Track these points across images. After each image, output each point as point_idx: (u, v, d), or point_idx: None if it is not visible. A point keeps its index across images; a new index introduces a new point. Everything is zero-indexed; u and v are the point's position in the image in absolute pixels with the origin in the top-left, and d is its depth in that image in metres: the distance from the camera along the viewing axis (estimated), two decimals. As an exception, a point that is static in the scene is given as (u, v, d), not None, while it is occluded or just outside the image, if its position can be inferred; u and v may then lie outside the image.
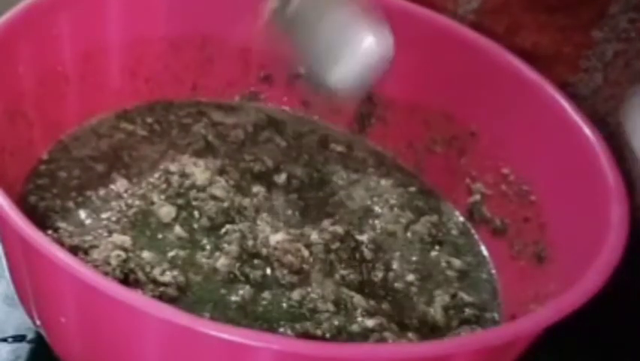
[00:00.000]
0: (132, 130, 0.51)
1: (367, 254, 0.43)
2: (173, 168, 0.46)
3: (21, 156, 0.45)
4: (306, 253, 0.42)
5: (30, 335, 0.41)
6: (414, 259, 0.44)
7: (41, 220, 0.42)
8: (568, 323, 0.31)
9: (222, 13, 0.51)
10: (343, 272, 0.42)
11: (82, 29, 0.48)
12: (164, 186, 0.45)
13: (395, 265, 0.43)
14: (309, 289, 0.40)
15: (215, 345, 0.30)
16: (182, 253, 0.42)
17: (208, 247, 0.42)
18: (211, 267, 0.41)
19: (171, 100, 0.53)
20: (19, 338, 0.41)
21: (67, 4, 0.47)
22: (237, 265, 0.41)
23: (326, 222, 0.44)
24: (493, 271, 0.44)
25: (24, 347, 0.40)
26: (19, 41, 0.44)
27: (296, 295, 0.40)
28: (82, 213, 0.43)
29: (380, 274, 0.42)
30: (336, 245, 0.42)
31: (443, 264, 0.44)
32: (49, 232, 0.41)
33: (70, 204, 0.44)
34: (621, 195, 0.38)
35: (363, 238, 0.44)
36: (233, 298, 0.40)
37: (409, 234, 0.46)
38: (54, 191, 0.45)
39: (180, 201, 0.44)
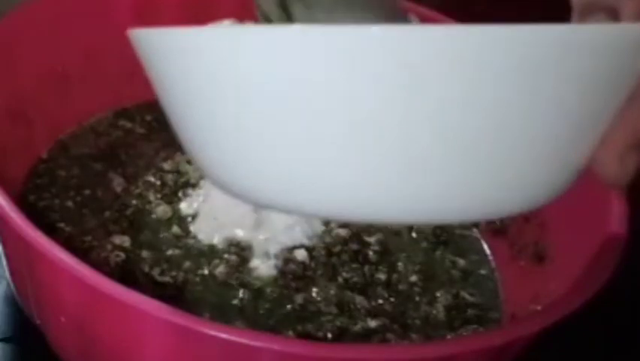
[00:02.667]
0: (130, 128, 0.51)
1: (372, 256, 0.43)
2: (167, 166, 0.46)
3: (21, 156, 0.45)
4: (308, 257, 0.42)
5: (29, 335, 0.41)
6: (419, 259, 0.44)
7: (40, 220, 0.41)
8: (568, 323, 0.31)
9: (220, 13, 0.51)
10: (346, 275, 0.42)
11: (82, 29, 0.48)
12: (159, 184, 0.45)
13: (401, 266, 0.43)
14: (312, 293, 0.40)
15: (215, 345, 0.30)
16: (181, 252, 0.42)
17: (208, 246, 0.42)
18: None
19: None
20: (17, 339, 0.41)
21: (68, 4, 0.47)
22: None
23: (331, 225, 0.44)
24: (495, 271, 0.44)
25: (22, 348, 0.40)
26: (19, 41, 0.44)
27: (299, 298, 0.40)
28: (80, 213, 0.43)
29: (383, 276, 0.42)
30: (337, 248, 0.42)
31: (447, 263, 0.44)
32: (48, 231, 0.41)
33: (69, 203, 0.44)
34: (621, 195, 0.38)
35: (372, 239, 0.44)
36: (234, 298, 0.40)
37: (413, 234, 0.46)
38: (53, 190, 0.45)
39: (176, 199, 0.44)
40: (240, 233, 0.42)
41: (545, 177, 0.24)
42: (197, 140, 0.26)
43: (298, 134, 0.23)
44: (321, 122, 0.22)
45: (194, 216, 0.43)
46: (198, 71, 0.24)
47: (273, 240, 0.42)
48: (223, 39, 0.23)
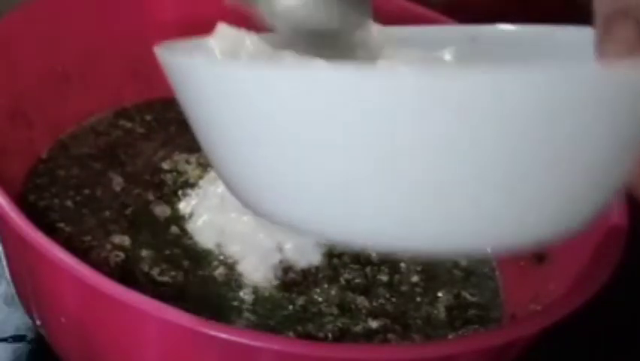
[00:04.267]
0: (130, 127, 0.51)
1: (374, 257, 0.43)
2: (166, 166, 0.46)
3: (21, 156, 0.45)
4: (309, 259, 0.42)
5: (30, 335, 0.41)
6: (421, 259, 0.44)
7: (40, 220, 0.41)
8: (568, 323, 0.31)
9: (220, 12, 0.51)
10: (348, 276, 0.42)
11: (82, 29, 0.48)
12: (158, 183, 0.45)
13: (403, 266, 0.43)
14: (314, 295, 0.40)
15: (215, 345, 0.30)
16: (180, 252, 0.42)
17: (207, 245, 0.42)
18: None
19: (171, 98, 0.53)
20: (19, 338, 0.41)
21: (68, 4, 0.47)
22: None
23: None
24: (496, 270, 0.44)
25: (24, 347, 0.40)
26: (19, 41, 0.44)
27: (300, 300, 0.40)
28: (80, 213, 0.43)
29: (385, 277, 0.42)
30: (339, 250, 0.42)
31: (449, 263, 0.44)
32: (48, 231, 0.41)
33: (69, 203, 0.44)
34: (621, 195, 0.38)
35: None
36: (234, 298, 0.39)
37: None
38: (53, 190, 0.44)
39: (175, 199, 0.44)
40: (239, 234, 0.42)
41: (586, 202, 0.25)
42: (225, 159, 0.27)
43: (334, 169, 0.23)
44: (355, 156, 0.23)
45: (192, 217, 0.43)
46: (231, 99, 0.24)
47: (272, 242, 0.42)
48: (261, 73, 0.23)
